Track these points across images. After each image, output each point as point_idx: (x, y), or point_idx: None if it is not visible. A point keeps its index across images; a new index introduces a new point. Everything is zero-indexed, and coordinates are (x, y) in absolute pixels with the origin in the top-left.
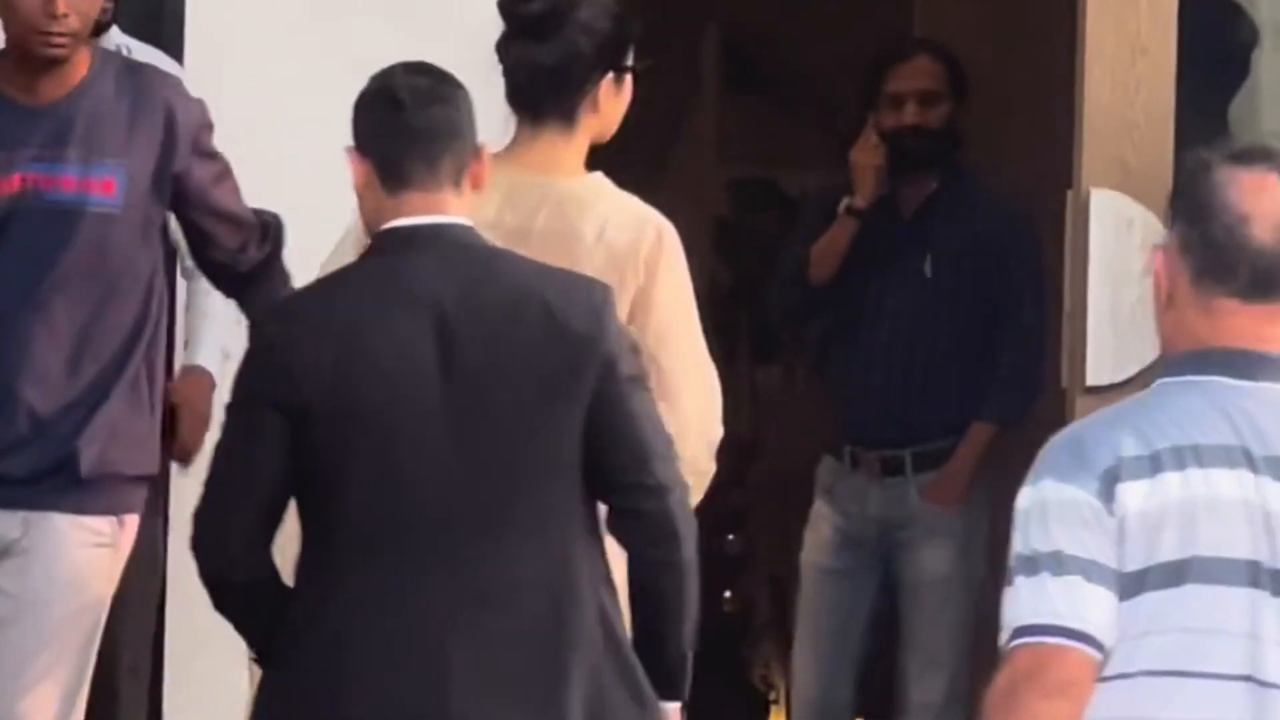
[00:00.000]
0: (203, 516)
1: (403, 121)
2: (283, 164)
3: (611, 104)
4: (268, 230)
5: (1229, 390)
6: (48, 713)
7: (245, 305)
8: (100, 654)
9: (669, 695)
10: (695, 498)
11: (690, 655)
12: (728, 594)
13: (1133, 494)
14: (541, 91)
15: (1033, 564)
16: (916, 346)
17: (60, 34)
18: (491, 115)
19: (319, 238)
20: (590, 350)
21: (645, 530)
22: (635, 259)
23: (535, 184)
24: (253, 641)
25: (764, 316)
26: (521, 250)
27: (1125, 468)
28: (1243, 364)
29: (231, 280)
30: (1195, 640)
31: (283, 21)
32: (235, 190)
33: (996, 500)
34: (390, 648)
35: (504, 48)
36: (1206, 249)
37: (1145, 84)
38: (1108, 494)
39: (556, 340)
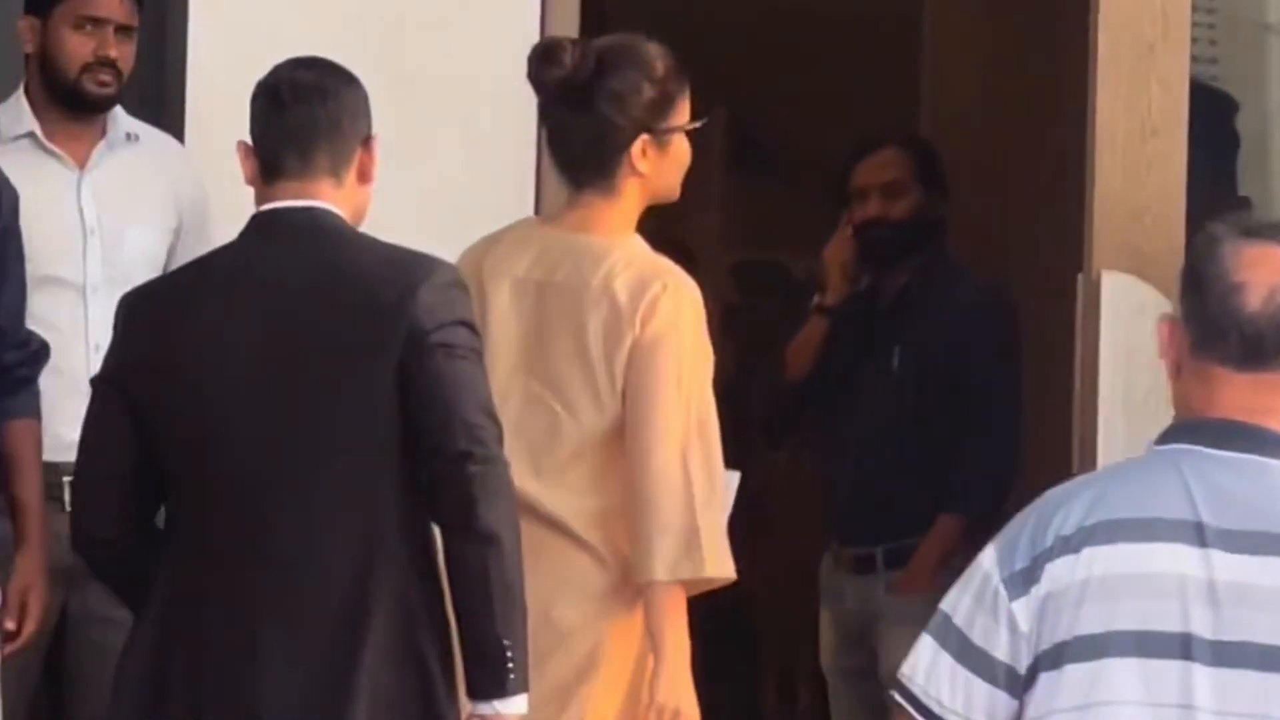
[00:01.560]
0: (73, 484)
1: (280, 117)
2: None
3: (656, 165)
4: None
5: (1204, 460)
6: None
7: None
8: None
9: (489, 692)
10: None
11: (511, 646)
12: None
13: (1058, 569)
14: (577, 158)
15: (936, 620)
16: (886, 442)
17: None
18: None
19: None
20: (393, 320)
21: (442, 496)
22: (634, 312)
23: (566, 242)
24: (129, 604)
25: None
26: (540, 301)
27: (1058, 547)
28: (1224, 434)
29: None
30: (1118, 712)
31: None
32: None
33: None
34: (202, 632)
35: (541, 115)
36: (1203, 318)
37: (1157, 166)
38: (1031, 576)
39: (364, 315)
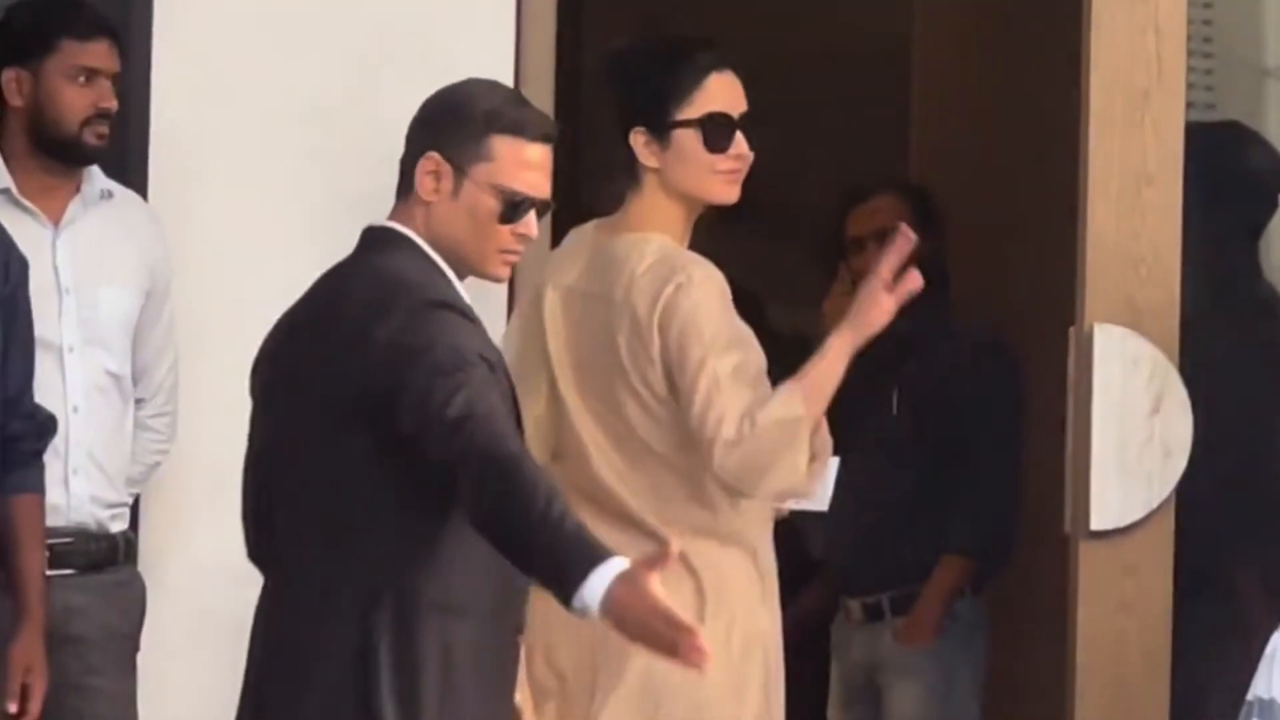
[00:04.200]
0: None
1: None
2: (248, 295)
3: (661, 159)
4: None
5: None
6: None
7: None
8: None
9: (568, 599)
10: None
11: (550, 554)
12: None
13: None
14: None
15: (1250, 710)
16: (888, 488)
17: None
18: None
19: None
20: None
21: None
22: (651, 323)
23: (604, 247)
24: None
25: None
26: (585, 312)
27: None
28: None
29: None
30: None
31: (251, 151)
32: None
33: (1000, 647)
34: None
35: None
36: None
37: (1151, 215)
38: None
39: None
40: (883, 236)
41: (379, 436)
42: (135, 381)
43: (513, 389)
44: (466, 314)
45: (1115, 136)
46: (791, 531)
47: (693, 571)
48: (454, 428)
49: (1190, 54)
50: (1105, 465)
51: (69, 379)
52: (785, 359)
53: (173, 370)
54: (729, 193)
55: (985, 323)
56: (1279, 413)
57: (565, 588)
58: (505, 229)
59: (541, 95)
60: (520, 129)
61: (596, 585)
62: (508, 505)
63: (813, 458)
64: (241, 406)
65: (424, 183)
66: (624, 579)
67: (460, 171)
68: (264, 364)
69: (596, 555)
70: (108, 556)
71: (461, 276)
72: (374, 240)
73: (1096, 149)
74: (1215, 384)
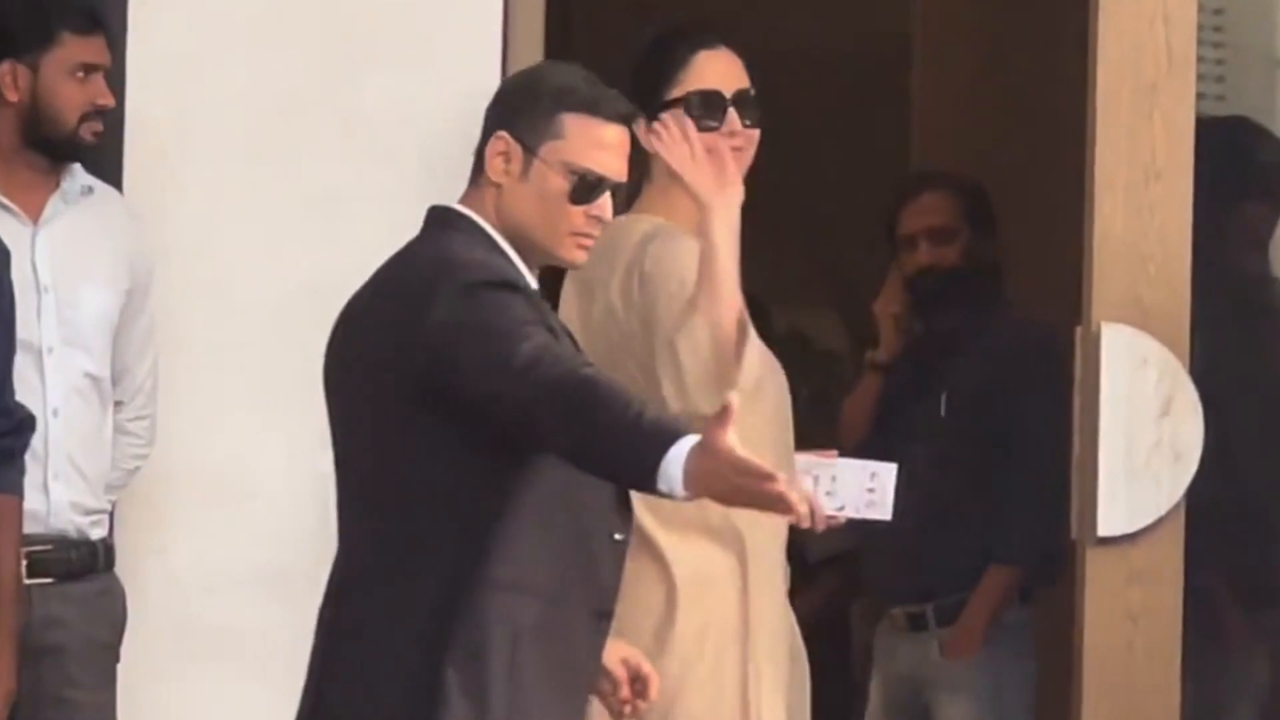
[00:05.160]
0: None
1: None
2: (227, 294)
3: (654, 146)
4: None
5: None
6: None
7: None
8: None
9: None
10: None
11: (628, 450)
12: None
13: None
14: None
15: None
16: (933, 493)
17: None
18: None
19: (270, 374)
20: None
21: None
22: (628, 307)
23: (606, 230)
24: None
25: None
26: (585, 300)
27: None
28: None
29: None
30: None
31: (229, 145)
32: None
33: (1046, 659)
34: None
35: None
36: None
37: (1160, 211)
38: None
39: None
40: (934, 234)
41: (441, 416)
42: (114, 383)
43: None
44: (525, 291)
45: (1123, 130)
46: (790, 536)
47: (667, 578)
48: (525, 372)
49: (1200, 44)
50: (1113, 469)
51: (48, 381)
52: (784, 360)
53: (152, 372)
54: None
55: (1036, 319)
56: None
57: (647, 480)
58: (577, 210)
59: None
60: (593, 107)
61: (673, 469)
62: (591, 423)
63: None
64: (220, 408)
65: (493, 163)
66: (696, 451)
67: (530, 151)
68: (328, 352)
69: (667, 437)
70: (88, 564)
71: (534, 261)
72: (433, 221)
73: (1103, 143)
74: (1225, 387)
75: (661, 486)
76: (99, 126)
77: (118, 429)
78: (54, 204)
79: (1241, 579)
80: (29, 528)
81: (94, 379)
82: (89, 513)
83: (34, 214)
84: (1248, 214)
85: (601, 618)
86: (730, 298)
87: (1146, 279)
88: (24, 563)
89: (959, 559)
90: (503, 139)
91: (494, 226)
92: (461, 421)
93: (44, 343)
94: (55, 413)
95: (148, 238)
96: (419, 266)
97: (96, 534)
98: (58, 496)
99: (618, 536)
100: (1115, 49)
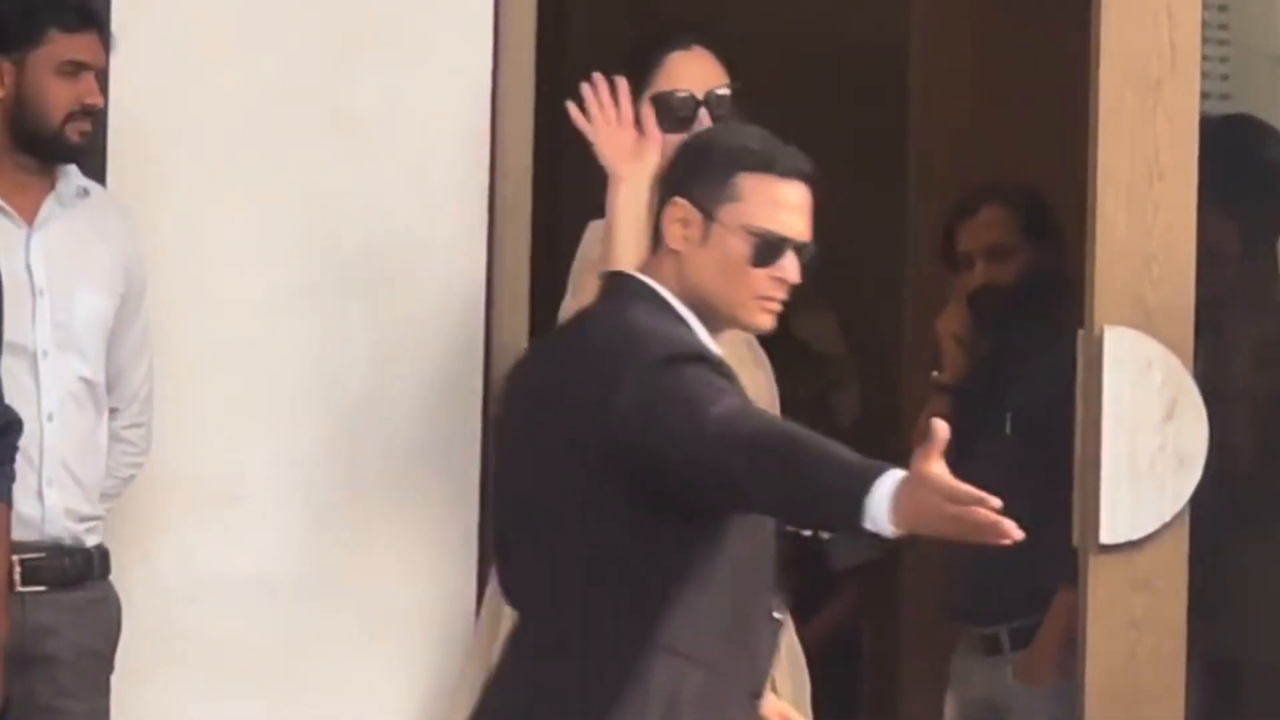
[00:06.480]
0: None
1: None
2: (215, 297)
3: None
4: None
5: None
6: None
7: None
8: None
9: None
10: None
11: (823, 487)
12: None
13: None
14: None
15: None
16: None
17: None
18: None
19: (259, 377)
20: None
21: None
22: None
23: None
24: None
25: None
26: (570, 305)
27: None
28: None
29: None
30: None
31: (217, 144)
32: None
33: None
34: None
35: None
36: None
37: (1164, 211)
38: None
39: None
40: (992, 252)
41: (633, 488)
42: (109, 390)
43: None
44: (710, 361)
45: (1126, 128)
46: (812, 547)
47: None
48: (720, 434)
49: (1205, 42)
50: (1115, 475)
51: (43, 385)
52: (782, 362)
53: (148, 379)
54: None
55: None
56: None
57: (852, 519)
58: (759, 273)
59: (521, 83)
60: (769, 165)
61: (879, 505)
62: (793, 472)
63: None
64: (206, 411)
65: (671, 231)
66: (905, 485)
67: (708, 216)
68: (505, 401)
69: (870, 475)
70: (82, 571)
71: (718, 327)
72: (613, 290)
73: (1106, 141)
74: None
75: (867, 525)
76: (87, 126)
77: (113, 437)
78: (49, 206)
79: None
80: (24, 534)
81: (89, 384)
82: (84, 519)
83: (29, 216)
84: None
85: (754, 698)
86: (623, 265)
87: (1150, 280)
88: (18, 571)
89: (1032, 580)
90: (679, 205)
91: (676, 294)
92: (656, 492)
93: (38, 346)
94: (50, 417)
95: (139, 241)
96: (606, 341)
97: (91, 541)
98: (52, 503)
99: (776, 615)
100: (1118, 47)
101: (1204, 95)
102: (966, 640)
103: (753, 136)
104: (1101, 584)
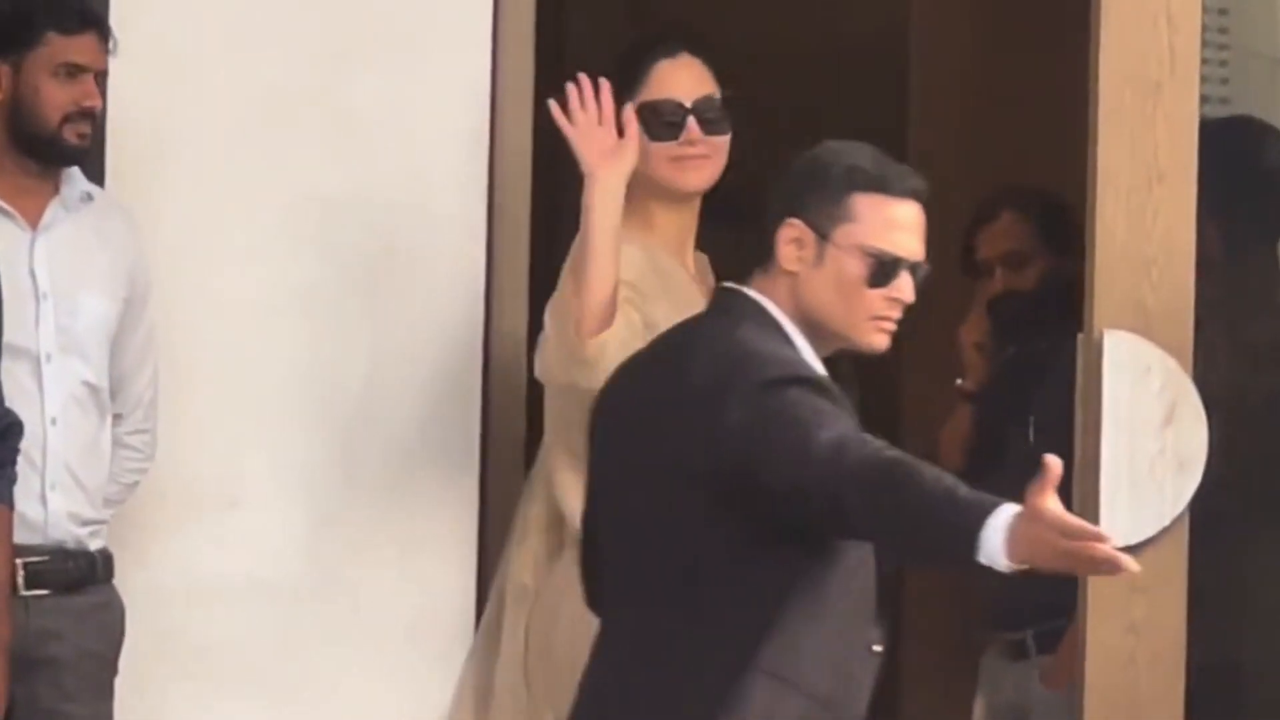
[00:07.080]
0: None
1: None
2: (213, 302)
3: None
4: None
5: None
6: None
7: None
8: None
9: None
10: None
11: (938, 518)
12: None
13: None
14: None
15: None
16: None
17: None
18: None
19: (256, 380)
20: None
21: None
22: None
23: None
24: None
25: None
26: None
27: None
28: None
29: None
30: None
31: (214, 147)
32: None
33: None
34: None
35: None
36: None
37: (1164, 214)
38: None
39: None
40: (1010, 260)
41: (739, 512)
42: (112, 395)
43: None
44: (817, 383)
45: (1125, 131)
46: None
47: None
48: (828, 460)
49: (1204, 45)
50: (1115, 479)
51: (47, 389)
52: None
53: (152, 385)
54: (681, 179)
55: None
56: None
57: (966, 553)
58: (875, 293)
59: (520, 83)
60: (883, 185)
61: (994, 539)
62: (903, 502)
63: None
64: (204, 416)
65: (785, 251)
66: (1020, 519)
67: (822, 236)
68: (605, 414)
69: (984, 508)
70: (86, 575)
71: (828, 348)
72: (723, 306)
73: (1105, 145)
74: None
75: (981, 558)
76: (85, 128)
77: (117, 443)
78: (53, 210)
79: None
80: (27, 538)
81: (92, 388)
82: (87, 523)
83: (33, 220)
84: (1251, 215)
85: None
86: (597, 267)
87: (1149, 283)
88: (21, 574)
89: (1058, 584)
90: (794, 225)
91: (788, 314)
92: (762, 517)
93: (42, 350)
94: (54, 421)
95: (143, 246)
96: (712, 360)
97: (95, 545)
98: (55, 506)
99: (877, 648)
100: (1118, 49)
101: (1204, 98)
102: (996, 645)
103: (865, 156)
104: (1100, 588)
